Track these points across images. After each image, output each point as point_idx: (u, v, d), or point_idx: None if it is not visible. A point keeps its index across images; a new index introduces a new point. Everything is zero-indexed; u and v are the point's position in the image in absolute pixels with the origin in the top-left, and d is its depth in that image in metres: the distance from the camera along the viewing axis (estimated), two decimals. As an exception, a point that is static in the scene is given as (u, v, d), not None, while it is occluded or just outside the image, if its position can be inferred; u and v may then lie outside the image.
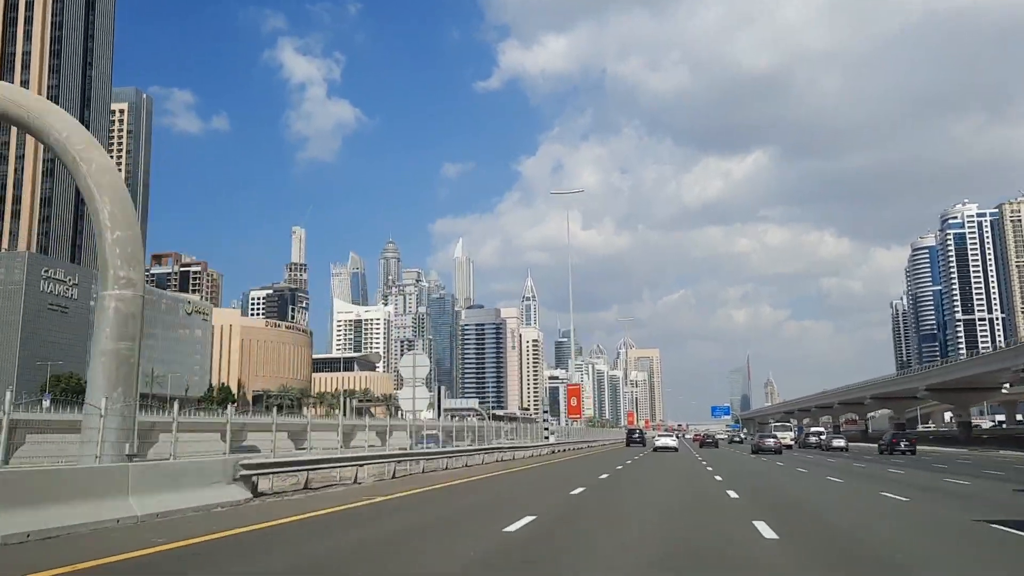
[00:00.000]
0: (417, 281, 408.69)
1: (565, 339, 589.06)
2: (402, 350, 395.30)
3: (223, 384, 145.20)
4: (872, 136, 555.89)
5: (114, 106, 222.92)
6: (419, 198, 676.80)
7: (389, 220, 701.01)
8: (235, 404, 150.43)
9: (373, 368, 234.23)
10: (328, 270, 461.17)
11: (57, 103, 34.02)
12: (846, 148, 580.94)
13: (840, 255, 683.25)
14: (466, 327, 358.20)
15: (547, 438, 58.89)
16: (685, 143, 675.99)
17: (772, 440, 58.61)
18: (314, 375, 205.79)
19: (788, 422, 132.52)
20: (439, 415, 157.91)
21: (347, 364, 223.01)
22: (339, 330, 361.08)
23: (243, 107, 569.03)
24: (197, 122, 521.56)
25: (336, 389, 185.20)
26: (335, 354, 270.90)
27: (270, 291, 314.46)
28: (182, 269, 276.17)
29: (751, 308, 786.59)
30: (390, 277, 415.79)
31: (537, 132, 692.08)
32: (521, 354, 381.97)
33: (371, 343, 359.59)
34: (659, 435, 76.64)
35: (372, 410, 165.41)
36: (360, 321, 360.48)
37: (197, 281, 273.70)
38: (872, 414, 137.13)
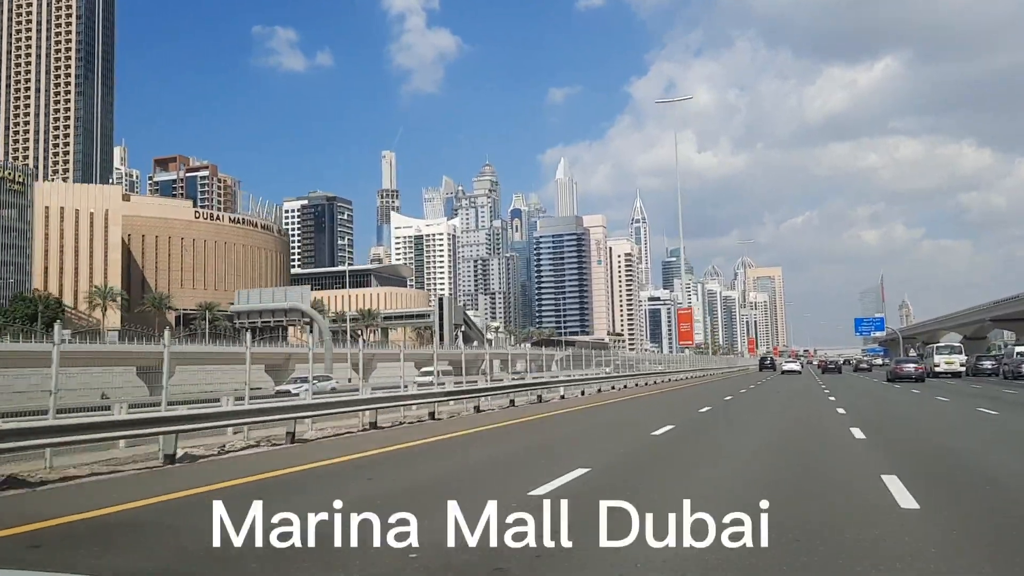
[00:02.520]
0: (490, 191, 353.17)
1: (674, 258, 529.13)
2: (475, 270, 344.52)
3: (46, 294, 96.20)
4: (1018, 33, 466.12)
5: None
6: (526, 127, 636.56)
7: (496, 151, 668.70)
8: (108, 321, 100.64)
9: (404, 283, 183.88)
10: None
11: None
12: (988, 48, 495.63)
13: (981, 167, 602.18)
14: (541, 239, 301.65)
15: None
16: (805, 53, 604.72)
17: (912, 365, 49.03)
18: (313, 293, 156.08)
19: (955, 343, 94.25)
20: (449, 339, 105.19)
21: (360, 278, 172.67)
22: (398, 247, 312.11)
23: (345, 42, 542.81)
24: (301, 60, 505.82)
25: (326, 308, 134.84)
26: (353, 266, 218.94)
27: (304, 202, 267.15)
28: (188, 175, 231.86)
29: (882, 228, 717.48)
30: (460, 188, 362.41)
31: (645, 51, 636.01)
32: (612, 271, 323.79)
33: (435, 261, 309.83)
34: (785, 361, 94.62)
35: (363, 334, 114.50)
36: (421, 237, 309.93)
37: (205, 187, 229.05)
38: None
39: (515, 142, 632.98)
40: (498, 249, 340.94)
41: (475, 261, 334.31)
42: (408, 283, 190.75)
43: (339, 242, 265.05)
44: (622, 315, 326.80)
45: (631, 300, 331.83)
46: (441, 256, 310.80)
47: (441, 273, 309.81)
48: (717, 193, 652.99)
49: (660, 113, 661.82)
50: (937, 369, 52.96)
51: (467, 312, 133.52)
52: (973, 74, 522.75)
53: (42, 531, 6.88)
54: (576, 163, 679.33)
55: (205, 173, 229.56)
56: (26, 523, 7.10)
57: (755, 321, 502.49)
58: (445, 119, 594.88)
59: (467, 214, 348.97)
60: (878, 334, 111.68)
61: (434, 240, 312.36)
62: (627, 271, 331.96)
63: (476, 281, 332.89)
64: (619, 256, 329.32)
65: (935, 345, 67.35)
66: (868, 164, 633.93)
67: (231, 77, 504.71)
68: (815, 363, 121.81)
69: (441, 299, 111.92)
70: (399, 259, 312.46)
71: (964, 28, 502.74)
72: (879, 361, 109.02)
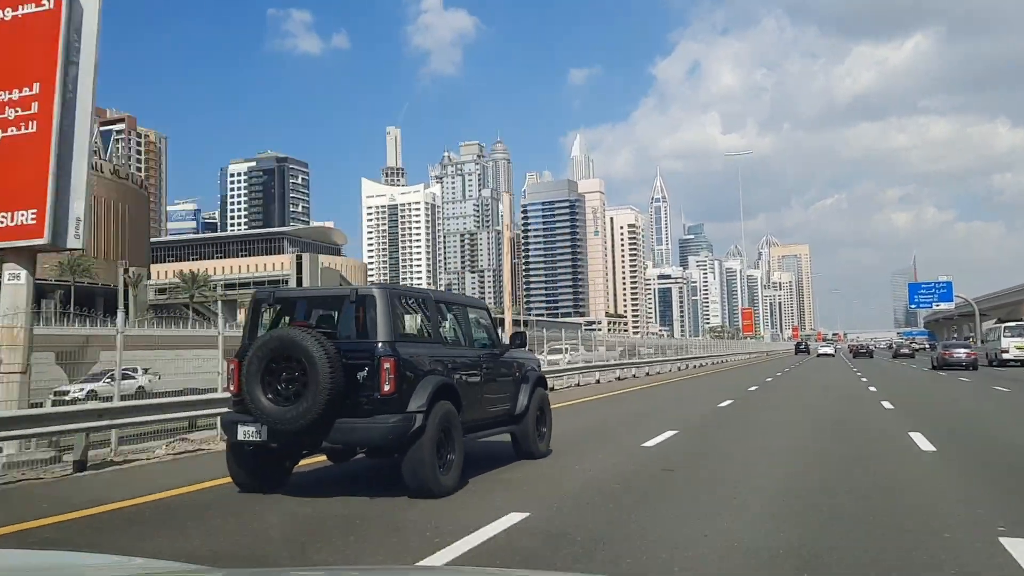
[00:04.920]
0: (479, 156, 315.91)
1: (692, 235, 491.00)
2: (462, 244, 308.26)
3: None
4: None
5: None
6: (547, 110, 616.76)
7: (516, 135, 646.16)
8: None
9: (337, 251, 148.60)
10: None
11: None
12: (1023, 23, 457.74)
13: (1015, 147, 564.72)
14: (529, 207, 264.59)
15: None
16: (832, 31, 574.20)
17: (963, 351, 43.20)
18: (210, 263, 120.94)
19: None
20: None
21: (269, 244, 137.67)
22: (370, 218, 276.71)
23: (361, 24, 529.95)
24: (317, 42, 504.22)
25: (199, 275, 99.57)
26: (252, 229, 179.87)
27: (252, 164, 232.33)
28: (102, 128, 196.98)
29: (912, 210, 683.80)
30: (446, 153, 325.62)
31: (669, 29, 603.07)
32: (613, 243, 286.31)
33: (411, 234, 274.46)
34: (820, 345, 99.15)
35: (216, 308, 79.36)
36: (396, 206, 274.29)
37: (121, 143, 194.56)
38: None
39: (536, 125, 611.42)
40: (487, 222, 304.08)
41: (462, 235, 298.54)
42: (342, 250, 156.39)
43: (291, 209, 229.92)
44: (625, 294, 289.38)
45: (636, 278, 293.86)
46: (418, 228, 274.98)
47: (418, 247, 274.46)
48: (743, 175, 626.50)
49: (685, 95, 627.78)
50: (1005, 356, 43.60)
51: (344, 277, 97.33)
52: (1007, 51, 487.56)
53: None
54: (599, 146, 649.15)
55: (121, 127, 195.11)
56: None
57: (779, 303, 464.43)
58: (463, 101, 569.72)
59: (452, 183, 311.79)
60: (943, 306, 74.33)
61: (410, 210, 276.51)
62: (631, 245, 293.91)
63: (463, 257, 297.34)
64: (621, 228, 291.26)
65: (1004, 325, 51.12)
66: (898, 145, 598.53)
67: (245, 60, 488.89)
68: (846, 347, 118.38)
69: (299, 258, 77.16)
70: (371, 232, 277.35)
71: (998, 2, 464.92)
72: (908, 347, 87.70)
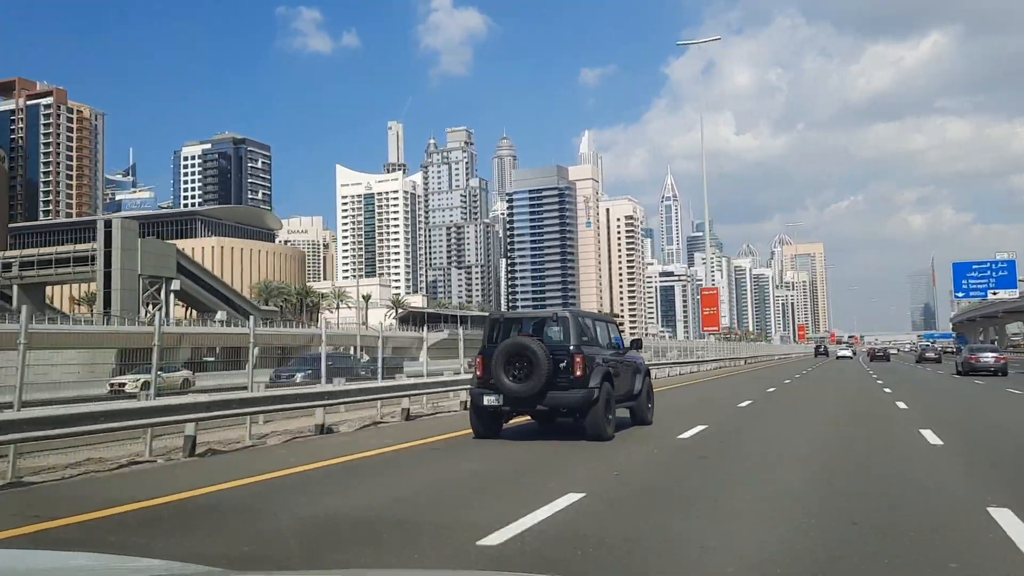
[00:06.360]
0: (467, 143, 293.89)
1: (699, 233, 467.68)
2: (448, 237, 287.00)
3: None
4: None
5: None
6: (559, 110, 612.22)
7: (526, 136, 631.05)
8: None
9: (271, 237, 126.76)
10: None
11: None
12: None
13: None
14: (515, 196, 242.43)
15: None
16: (848, 30, 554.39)
17: (991, 355, 38.91)
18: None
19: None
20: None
21: (179, 226, 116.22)
22: (345, 207, 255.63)
23: (371, 23, 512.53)
24: (327, 41, 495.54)
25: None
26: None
27: (207, 146, 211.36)
28: (29, 103, 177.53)
29: (929, 212, 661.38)
30: (431, 140, 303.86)
31: (681, 28, 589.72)
32: (609, 236, 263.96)
33: (388, 225, 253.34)
34: (839, 348, 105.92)
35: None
36: (372, 195, 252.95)
37: (50, 119, 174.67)
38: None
39: (547, 126, 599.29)
40: (475, 214, 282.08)
41: (448, 228, 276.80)
42: (276, 236, 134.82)
43: (250, 196, 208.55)
44: (621, 292, 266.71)
45: (633, 274, 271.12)
46: (396, 219, 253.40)
47: (396, 239, 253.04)
48: (757, 176, 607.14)
49: (697, 94, 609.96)
50: None
51: (188, 257, 75.55)
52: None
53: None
54: (612, 148, 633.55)
55: (49, 101, 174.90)
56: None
57: (792, 303, 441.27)
58: (472, 101, 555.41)
59: (438, 171, 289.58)
60: (1003, 293, 52.01)
61: (387, 199, 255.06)
62: (628, 238, 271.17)
63: (449, 252, 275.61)
64: (618, 219, 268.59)
65: None
66: (915, 146, 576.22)
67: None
68: (864, 351, 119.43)
69: (109, 225, 56.00)
70: (346, 223, 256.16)
71: (1015, 2, 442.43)
72: (935, 351, 76.64)
